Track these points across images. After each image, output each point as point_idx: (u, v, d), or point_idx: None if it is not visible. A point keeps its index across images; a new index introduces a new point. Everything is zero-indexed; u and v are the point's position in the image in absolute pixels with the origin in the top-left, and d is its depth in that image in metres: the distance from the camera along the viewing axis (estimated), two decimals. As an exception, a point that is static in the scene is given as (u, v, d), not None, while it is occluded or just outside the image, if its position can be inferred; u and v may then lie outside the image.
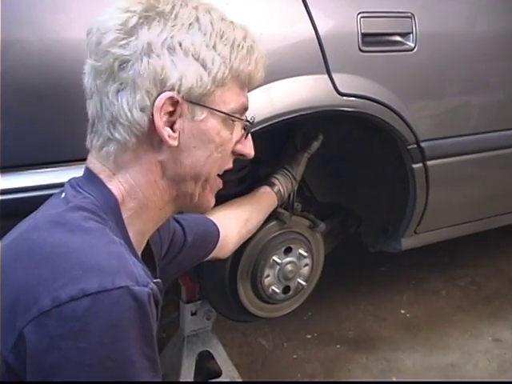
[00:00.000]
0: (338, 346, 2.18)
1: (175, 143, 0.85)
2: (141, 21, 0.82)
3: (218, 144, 0.89)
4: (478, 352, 2.16)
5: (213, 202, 0.98)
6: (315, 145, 1.66)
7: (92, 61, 0.85)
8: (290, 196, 1.68)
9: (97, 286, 0.69)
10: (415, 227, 1.93)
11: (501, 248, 2.87)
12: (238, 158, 0.97)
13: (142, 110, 0.82)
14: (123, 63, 0.82)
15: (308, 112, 1.49)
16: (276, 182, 1.61)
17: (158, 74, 0.82)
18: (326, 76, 1.52)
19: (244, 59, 0.88)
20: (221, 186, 0.98)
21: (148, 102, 0.82)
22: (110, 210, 0.83)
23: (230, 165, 0.96)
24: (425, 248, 2.08)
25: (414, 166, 1.77)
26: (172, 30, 0.83)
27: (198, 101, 0.85)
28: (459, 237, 2.16)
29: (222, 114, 0.88)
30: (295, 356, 2.13)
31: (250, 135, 0.97)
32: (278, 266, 1.67)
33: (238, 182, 1.70)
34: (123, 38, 0.82)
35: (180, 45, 0.83)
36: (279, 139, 1.68)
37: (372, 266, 2.66)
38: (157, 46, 0.82)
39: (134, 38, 0.82)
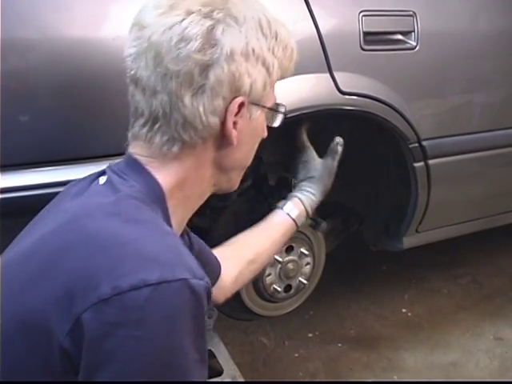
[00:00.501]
0: (340, 345, 2.18)
1: (236, 142, 0.89)
2: (220, 27, 0.84)
3: (260, 136, 0.96)
4: (479, 351, 2.16)
5: (239, 181, 1.02)
6: (340, 149, 1.49)
7: (168, 63, 0.83)
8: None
9: (157, 276, 0.71)
10: (417, 226, 1.93)
11: (502, 247, 2.87)
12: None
13: (216, 114, 0.86)
14: (204, 69, 0.83)
15: (310, 111, 1.49)
16: (296, 203, 1.41)
17: (236, 80, 0.85)
18: (328, 75, 1.52)
19: (290, 59, 0.93)
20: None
21: (222, 106, 0.86)
22: (156, 199, 0.86)
23: None
24: (426, 247, 2.08)
25: (416, 164, 1.77)
26: (246, 36, 0.85)
27: (257, 102, 0.90)
28: (461, 236, 2.16)
29: (269, 110, 0.93)
30: (297, 355, 2.13)
31: None
32: (280, 265, 1.67)
33: (240, 181, 1.70)
34: (207, 45, 0.83)
35: (253, 51, 0.86)
36: (279, 138, 1.68)
37: (373, 265, 2.66)
38: (237, 53, 0.84)
39: (217, 45, 0.83)
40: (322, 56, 1.50)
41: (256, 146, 0.97)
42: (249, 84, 0.86)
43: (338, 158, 1.48)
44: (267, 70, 0.88)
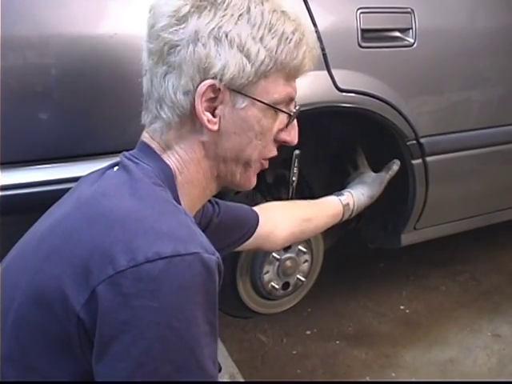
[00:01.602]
0: (338, 342, 2.18)
1: (215, 127, 0.89)
2: (192, 9, 0.85)
3: (257, 132, 0.93)
4: (477, 347, 2.16)
5: (254, 181, 1.01)
6: (396, 169, 1.69)
7: (147, 42, 0.90)
8: (289, 192, 1.68)
9: (171, 250, 0.73)
10: (415, 223, 1.93)
11: (500, 244, 2.87)
12: (282, 144, 1.00)
13: (186, 93, 0.87)
14: (172, 48, 0.86)
15: (307, 108, 1.49)
16: (347, 195, 1.59)
17: (203, 61, 0.85)
18: (326, 72, 1.52)
19: (291, 53, 0.90)
20: (266, 167, 1.02)
21: (191, 87, 0.86)
22: (166, 180, 0.88)
23: (273, 152, 0.99)
24: (424, 244, 2.08)
25: (414, 161, 1.77)
26: (220, 21, 0.85)
27: (239, 90, 0.88)
28: (459, 233, 2.17)
29: (263, 105, 0.91)
30: (295, 352, 2.13)
31: (295, 123, 0.99)
32: (278, 262, 1.67)
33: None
34: (174, 25, 0.85)
35: (226, 36, 0.85)
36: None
37: (371, 262, 2.66)
38: (203, 35, 0.85)
39: (184, 25, 0.85)
40: (320, 53, 1.50)
41: (257, 142, 0.93)
42: (219, 67, 0.85)
43: (391, 173, 1.67)
44: (247, 57, 0.86)
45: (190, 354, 0.74)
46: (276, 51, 0.88)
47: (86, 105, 1.26)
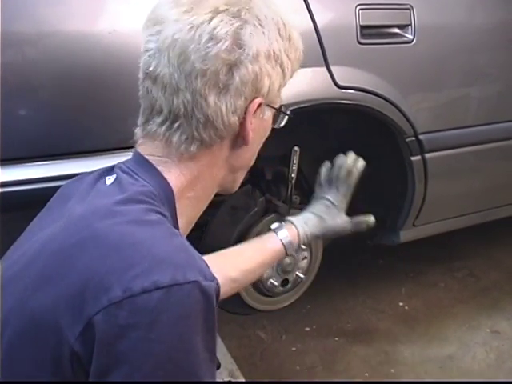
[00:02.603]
0: (337, 339, 2.18)
1: (250, 142, 0.90)
2: (251, 29, 0.84)
3: (265, 136, 0.96)
4: (476, 344, 2.17)
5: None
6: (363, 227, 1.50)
7: (195, 62, 0.83)
8: (288, 189, 1.67)
9: (169, 279, 0.71)
10: (413, 220, 1.93)
11: (499, 240, 2.87)
12: None
13: (237, 113, 0.86)
14: (230, 69, 0.84)
15: (306, 105, 1.49)
16: (289, 228, 1.37)
17: (258, 80, 0.86)
18: (325, 69, 1.52)
19: (298, 61, 0.93)
20: None
21: (242, 106, 0.86)
22: (166, 199, 0.86)
23: None
24: (423, 240, 2.08)
25: (413, 158, 1.77)
26: (269, 38, 0.86)
27: (271, 103, 0.91)
28: (457, 229, 2.17)
29: (276, 110, 0.94)
30: (294, 348, 2.13)
31: None
32: (277, 259, 1.67)
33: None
34: (235, 45, 0.83)
35: (274, 53, 0.86)
36: (277, 132, 1.68)
37: (370, 259, 2.66)
38: (261, 54, 0.85)
39: (244, 45, 0.84)
40: (319, 50, 1.50)
41: (262, 144, 0.98)
42: (268, 85, 0.87)
43: (354, 227, 1.47)
44: (283, 71, 0.89)
45: (191, 379, 0.73)
46: (294, 62, 0.91)
47: (85, 102, 1.26)
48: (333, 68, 1.52)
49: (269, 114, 0.92)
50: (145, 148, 0.89)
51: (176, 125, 0.86)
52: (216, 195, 1.75)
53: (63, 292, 0.73)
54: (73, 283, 0.73)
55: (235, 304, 1.73)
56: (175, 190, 0.87)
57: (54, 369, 0.73)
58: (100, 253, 0.74)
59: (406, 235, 1.97)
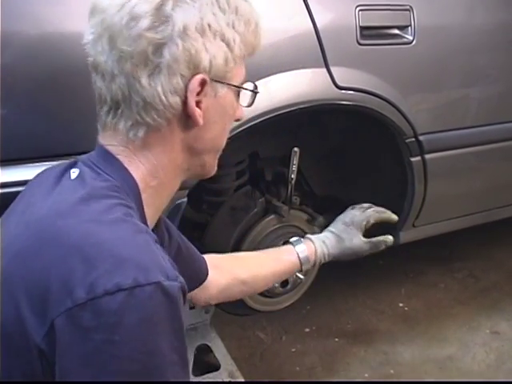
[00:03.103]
0: (337, 339, 2.18)
1: (202, 122, 0.86)
2: (173, 3, 0.81)
3: (231, 115, 0.93)
4: (475, 344, 2.16)
5: (216, 166, 0.99)
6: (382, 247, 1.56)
7: (121, 45, 0.81)
8: (288, 189, 1.68)
9: (131, 280, 0.70)
10: (413, 220, 1.93)
11: (499, 241, 2.87)
12: (235, 122, 0.98)
13: (176, 93, 0.83)
14: (158, 48, 0.81)
15: (306, 106, 1.49)
16: (308, 244, 1.43)
17: (193, 57, 0.82)
18: (325, 69, 1.52)
19: (254, 34, 0.90)
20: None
21: (182, 85, 0.83)
22: (130, 192, 0.84)
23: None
24: (423, 241, 2.08)
25: (413, 159, 1.77)
26: (200, 11, 0.82)
27: (221, 79, 0.87)
28: (457, 230, 2.17)
29: (237, 88, 0.90)
30: (294, 349, 2.13)
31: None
32: (277, 260, 1.67)
33: (237, 176, 1.70)
34: (158, 23, 0.80)
35: (209, 26, 0.83)
36: (278, 133, 1.68)
37: (370, 260, 2.65)
38: (191, 30, 0.81)
39: (168, 22, 0.81)
40: (319, 51, 1.50)
41: (228, 126, 0.94)
42: (208, 60, 0.83)
43: (372, 248, 1.53)
44: (227, 45, 0.85)
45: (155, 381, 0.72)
46: (245, 35, 0.87)
47: (85, 103, 1.25)
48: (332, 69, 1.52)
49: (224, 91, 0.88)
50: (103, 138, 0.89)
51: (119, 112, 0.85)
52: (215, 195, 1.75)
53: (25, 293, 0.72)
54: (34, 284, 0.72)
55: (235, 305, 1.73)
56: (138, 180, 0.86)
57: (23, 370, 0.73)
58: (61, 253, 0.73)
59: (406, 236, 1.97)
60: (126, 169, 0.85)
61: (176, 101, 0.83)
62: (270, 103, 1.43)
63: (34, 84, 1.21)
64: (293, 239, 1.44)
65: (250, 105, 0.97)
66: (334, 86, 1.53)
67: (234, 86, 0.89)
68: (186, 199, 1.41)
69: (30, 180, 0.96)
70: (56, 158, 1.23)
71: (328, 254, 1.44)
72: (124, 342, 0.69)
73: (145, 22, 0.80)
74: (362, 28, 1.56)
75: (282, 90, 1.45)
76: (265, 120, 1.42)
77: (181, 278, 0.76)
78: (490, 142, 1.96)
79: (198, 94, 0.84)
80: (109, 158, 0.86)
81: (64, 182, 0.86)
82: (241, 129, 1.38)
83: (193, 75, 0.83)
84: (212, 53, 0.83)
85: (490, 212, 2.20)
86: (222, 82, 0.87)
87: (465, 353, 2.12)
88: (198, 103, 0.85)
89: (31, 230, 0.79)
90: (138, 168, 0.86)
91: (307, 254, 1.39)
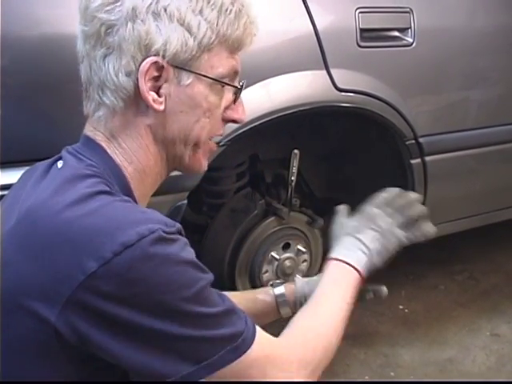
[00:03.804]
0: (337, 342, 2.18)
1: (161, 107, 0.85)
2: None
3: (205, 109, 0.89)
4: (476, 347, 2.16)
5: (205, 164, 0.97)
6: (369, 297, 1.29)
7: (81, 25, 0.86)
8: (288, 191, 1.68)
9: (135, 236, 0.72)
10: (413, 222, 1.93)
11: (499, 243, 2.87)
12: (230, 123, 0.96)
13: (128, 74, 0.83)
14: (109, 28, 0.82)
15: (306, 108, 1.49)
16: (289, 286, 1.21)
17: (143, 39, 0.82)
18: (325, 72, 1.52)
19: (232, 24, 0.87)
20: (214, 149, 0.99)
21: (133, 67, 0.83)
22: (113, 175, 0.85)
23: (220, 131, 0.96)
24: (423, 243, 2.08)
25: (413, 161, 1.77)
26: None
27: (183, 66, 0.85)
28: (458, 232, 2.16)
29: (209, 79, 0.88)
30: (294, 351, 2.13)
31: (241, 100, 0.95)
32: (277, 262, 1.67)
33: (237, 178, 1.70)
34: (109, 4, 0.82)
35: (165, 10, 0.82)
36: (278, 135, 1.68)
37: (370, 262, 2.66)
38: (141, 11, 0.81)
39: (119, 3, 0.82)
40: (319, 53, 1.50)
41: (205, 120, 0.90)
42: (160, 43, 0.82)
43: (363, 301, 1.28)
44: (189, 30, 0.84)
45: (207, 305, 0.76)
46: (217, 23, 0.86)
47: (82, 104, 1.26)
48: (333, 71, 1.52)
49: (190, 80, 0.86)
50: (87, 126, 0.91)
51: (87, 94, 0.88)
52: (215, 197, 1.74)
53: (36, 281, 0.74)
54: (40, 269, 0.74)
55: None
56: (119, 163, 0.87)
57: (41, 352, 0.75)
58: (61, 240, 0.74)
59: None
60: (106, 152, 0.87)
61: (128, 82, 0.84)
62: (271, 105, 1.43)
63: (33, 86, 1.21)
64: (275, 282, 1.32)
65: (232, 102, 0.93)
66: (334, 88, 1.53)
67: (202, 75, 0.87)
68: (186, 201, 1.41)
69: (21, 174, 0.97)
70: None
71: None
72: (146, 291, 0.72)
73: (97, 2, 0.83)
74: (362, 30, 1.56)
75: (283, 92, 1.45)
76: (265, 122, 1.42)
77: (179, 224, 0.79)
78: (490, 145, 1.97)
79: (157, 79, 0.84)
80: (90, 143, 0.88)
81: (52, 172, 0.87)
82: (241, 131, 1.38)
83: (144, 58, 0.83)
84: (166, 36, 0.83)
85: (491, 214, 2.20)
86: (185, 70, 0.85)
87: (465, 355, 2.12)
88: (158, 88, 0.85)
89: (22, 230, 0.79)
90: (114, 152, 0.87)
91: (285, 295, 1.20)
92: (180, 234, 0.79)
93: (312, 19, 1.48)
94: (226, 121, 0.95)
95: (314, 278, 1.23)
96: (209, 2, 0.85)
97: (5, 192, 1.16)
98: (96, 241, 0.72)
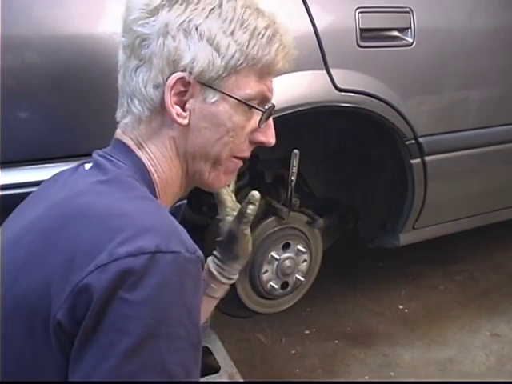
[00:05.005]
0: (337, 342, 2.18)
1: (185, 121, 0.88)
2: (164, 2, 0.85)
3: (229, 128, 0.91)
4: (475, 347, 2.16)
5: (226, 181, 1.00)
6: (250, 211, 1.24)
7: (121, 36, 0.90)
8: (288, 191, 1.68)
9: (153, 246, 0.72)
10: (413, 223, 1.93)
11: (498, 243, 2.87)
12: (259, 145, 0.98)
13: (156, 87, 0.87)
14: (143, 41, 0.86)
15: (306, 108, 1.49)
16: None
17: (172, 54, 0.85)
18: (325, 72, 1.52)
19: (263, 48, 0.89)
20: (239, 166, 0.99)
21: (161, 80, 0.86)
22: (142, 178, 0.88)
23: (246, 153, 0.97)
24: (423, 243, 2.08)
25: (412, 161, 1.77)
26: (191, 14, 0.85)
27: (210, 84, 0.87)
28: (457, 232, 2.17)
29: (235, 100, 0.89)
30: (293, 351, 2.13)
31: (270, 123, 0.97)
32: (277, 262, 1.67)
33: (237, 178, 1.70)
34: (145, 18, 0.86)
35: (196, 28, 0.85)
36: (278, 135, 1.68)
37: (370, 262, 2.66)
38: (173, 28, 0.85)
39: (154, 18, 0.85)
40: (319, 53, 1.50)
41: (228, 139, 0.91)
42: (189, 59, 0.85)
43: (245, 221, 1.24)
44: (217, 50, 0.86)
45: (156, 354, 0.72)
46: (247, 46, 0.87)
47: (85, 105, 1.26)
48: (333, 71, 1.52)
49: (215, 98, 0.88)
50: (117, 131, 0.94)
51: (120, 101, 0.92)
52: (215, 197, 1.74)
53: (51, 266, 0.74)
54: (60, 256, 0.74)
55: (235, 307, 1.73)
56: (148, 167, 0.90)
57: (42, 346, 0.74)
58: (85, 224, 0.76)
59: (406, 238, 1.97)
60: (136, 155, 0.90)
61: (155, 94, 0.87)
62: (270, 105, 1.43)
63: (36, 87, 1.21)
64: None
65: (259, 124, 0.94)
66: (333, 88, 1.53)
67: (227, 94, 0.88)
68: (185, 201, 1.41)
69: (44, 181, 0.98)
70: (58, 160, 1.24)
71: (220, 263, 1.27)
72: (138, 303, 0.71)
73: (134, 15, 0.87)
74: (362, 30, 1.56)
75: (282, 92, 1.45)
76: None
77: (200, 253, 0.78)
78: (490, 145, 1.97)
79: (183, 93, 0.87)
80: (120, 146, 0.91)
81: (80, 171, 0.90)
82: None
83: (172, 72, 0.86)
84: (194, 53, 0.85)
85: (490, 214, 2.20)
86: (212, 88, 0.87)
87: (465, 355, 2.12)
88: (184, 103, 0.88)
89: (54, 210, 0.81)
90: (143, 156, 0.90)
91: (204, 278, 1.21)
92: (198, 263, 0.77)
93: (312, 19, 1.48)
94: (252, 143, 0.97)
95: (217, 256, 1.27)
96: (241, 25, 0.87)
97: (5, 192, 1.18)
98: (117, 238, 0.72)
